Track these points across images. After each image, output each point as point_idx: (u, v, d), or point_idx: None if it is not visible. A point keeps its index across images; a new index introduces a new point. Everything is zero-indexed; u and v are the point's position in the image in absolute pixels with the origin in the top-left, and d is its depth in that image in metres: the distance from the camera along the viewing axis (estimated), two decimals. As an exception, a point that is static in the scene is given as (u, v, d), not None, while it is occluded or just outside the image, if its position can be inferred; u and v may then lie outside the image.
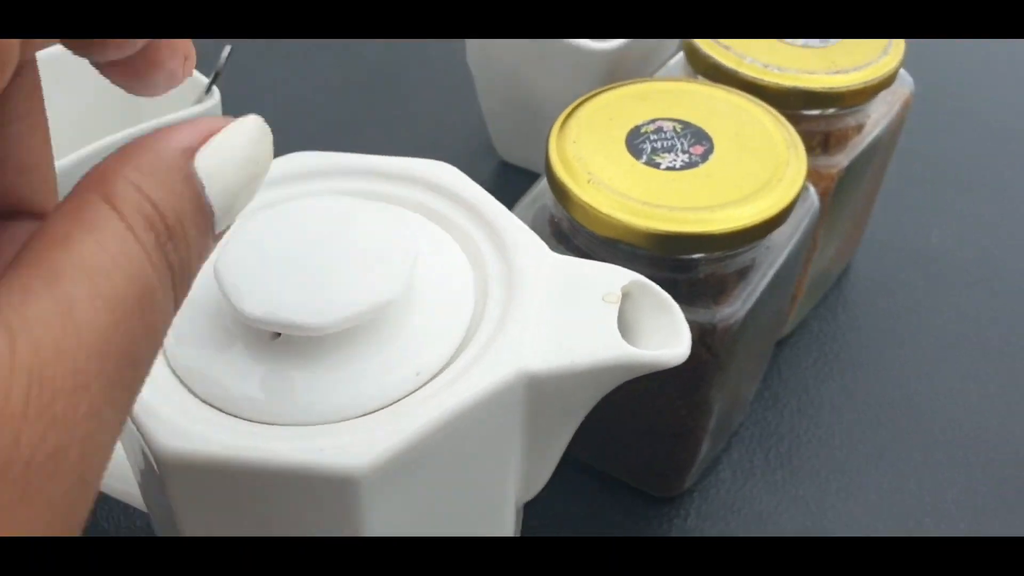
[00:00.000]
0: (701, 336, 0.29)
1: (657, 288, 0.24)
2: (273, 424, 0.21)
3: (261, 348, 0.22)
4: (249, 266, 0.22)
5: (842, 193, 0.37)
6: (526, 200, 0.32)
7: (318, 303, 0.22)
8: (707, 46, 0.34)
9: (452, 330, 0.23)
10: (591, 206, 0.28)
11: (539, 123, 0.45)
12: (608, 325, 0.23)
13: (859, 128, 0.37)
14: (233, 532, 0.22)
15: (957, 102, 0.57)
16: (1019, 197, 0.51)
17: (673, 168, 0.29)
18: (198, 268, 0.16)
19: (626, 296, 0.24)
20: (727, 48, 0.34)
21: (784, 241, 0.31)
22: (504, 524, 0.26)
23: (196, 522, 0.22)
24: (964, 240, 0.49)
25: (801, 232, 0.32)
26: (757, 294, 0.30)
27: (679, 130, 0.30)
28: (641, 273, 0.24)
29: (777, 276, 0.31)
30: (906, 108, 0.39)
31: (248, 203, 0.16)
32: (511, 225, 0.25)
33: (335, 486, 0.20)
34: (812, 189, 0.33)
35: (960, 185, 0.52)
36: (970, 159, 0.53)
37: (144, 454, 0.22)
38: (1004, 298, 0.45)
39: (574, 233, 0.30)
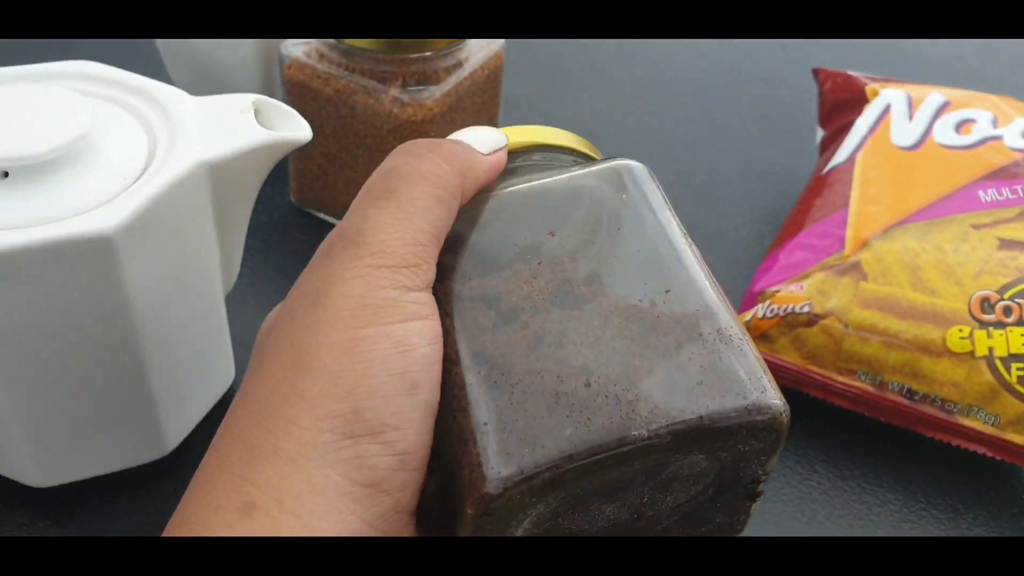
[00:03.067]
0: None
1: (276, 102, 0.37)
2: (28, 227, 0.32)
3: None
4: None
5: (449, 119, 0.48)
6: None
7: (35, 142, 0.33)
8: (320, 5, 0.45)
9: (138, 153, 0.35)
10: None
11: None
12: (250, 123, 0.36)
13: (454, 68, 0.48)
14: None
15: (560, 57, 0.71)
16: (626, 141, 0.64)
17: None
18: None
19: (258, 111, 0.37)
20: (335, 6, 0.45)
21: None
22: (216, 304, 0.40)
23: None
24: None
25: None
26: None
27: None
28: None
29: None
30: (499, 59, 0.52)
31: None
32: (158, 87, 0.38)
33: (93, 246, 0.32)
34: None
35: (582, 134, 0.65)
36: (586, 111, 0.67)
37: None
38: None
39: None
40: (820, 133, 0.58)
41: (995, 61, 0.78)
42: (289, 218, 0.55)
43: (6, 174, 0.33)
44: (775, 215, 0.58)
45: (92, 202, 0.33)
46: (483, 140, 0.31)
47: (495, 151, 0.31)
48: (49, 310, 0.33)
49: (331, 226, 0.54)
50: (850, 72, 0.58)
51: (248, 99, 0.37)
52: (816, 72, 0.61)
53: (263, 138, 0.36)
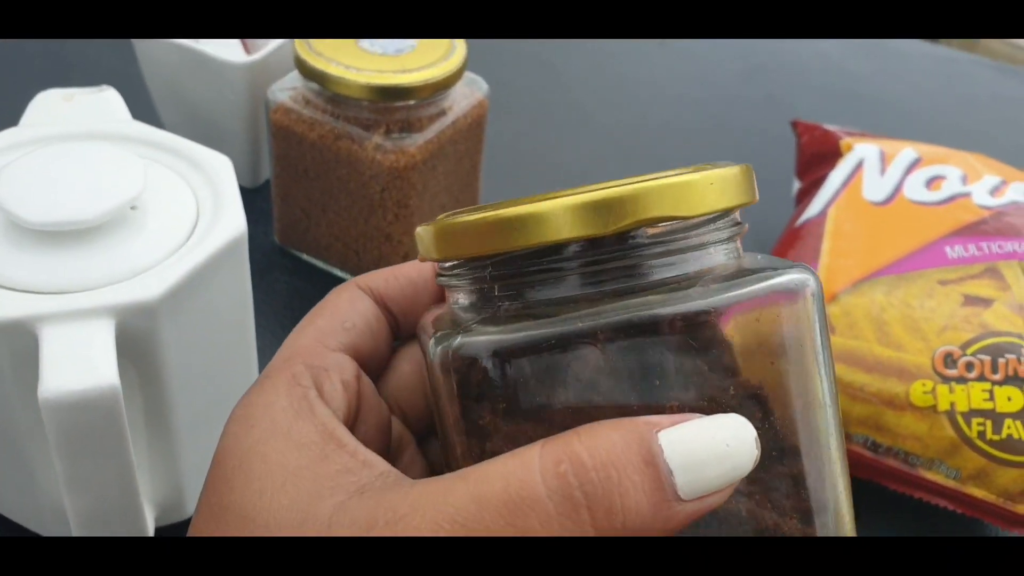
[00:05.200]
0: None
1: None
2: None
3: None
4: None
5: (431, 166, 0.50)
6: None
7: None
8: (305, 54, 0.46)
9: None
10: None
11: (217, 140, 0.56)
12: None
13: (437, 116, 0.50)
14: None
15: (546, 105, 0.73)
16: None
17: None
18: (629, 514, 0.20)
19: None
20: (320, 54, 0.46)
21: None
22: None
23: None
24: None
25: None
26: None
27: None
28: None
29: None
30: (483, 107, 0.53)
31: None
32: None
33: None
34: None
35: (565, 177, 0.66)
36: (569, 155, 0.68)
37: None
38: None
39: None
40: (796, 185, 0.59)
41: (975, 116, 0.80)
42: (272, 258, 0.56)
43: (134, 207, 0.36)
44: (752, 264, 0.60)
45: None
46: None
47: None
48: None
49: (314, 267, 0.56)
50: (827, 126, 0.59)
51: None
52: (794, 124, 0.62)
53: None
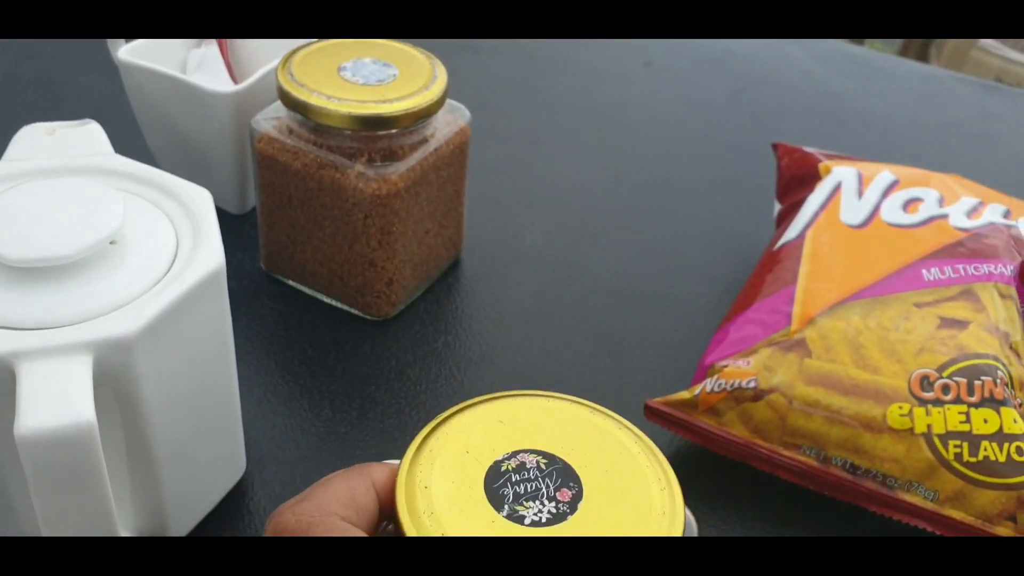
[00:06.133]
0: None
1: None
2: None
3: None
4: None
5: (414, 193, 0.50)
6: None
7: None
8: (288, 84, 0.47)
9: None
10: None
11: (204, 168, 0.56)
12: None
13: (419, 144, 0.50)
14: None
15: (531, 128, 0.73)
16: (593, 207, 0.66)
17: (538, 523, 0.27)
18: None
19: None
20: (303, 85, 0.47)
21: None
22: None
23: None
24: (551, 242, 0.62)
25: None
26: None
27: (543, 466, 0.29)
28: None
29: None
30: (464, 134, 0.53)
31: None
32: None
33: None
34: None
35: (550, 199, 0.66)
36: (554, 177, 0.68)
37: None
38: (574, 283, 0.60)
39: None
40: (777, 207, 0.59)
41: (959, 135, 0.80)
42: (259, 284, 0.56)
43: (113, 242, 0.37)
44: (735, 283, 0.60)
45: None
46: None
47: None
48: None
49: (300, 293, 0.56)
50: (806, 148, 0.59)
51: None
52: (775, 147, 0.62)
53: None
